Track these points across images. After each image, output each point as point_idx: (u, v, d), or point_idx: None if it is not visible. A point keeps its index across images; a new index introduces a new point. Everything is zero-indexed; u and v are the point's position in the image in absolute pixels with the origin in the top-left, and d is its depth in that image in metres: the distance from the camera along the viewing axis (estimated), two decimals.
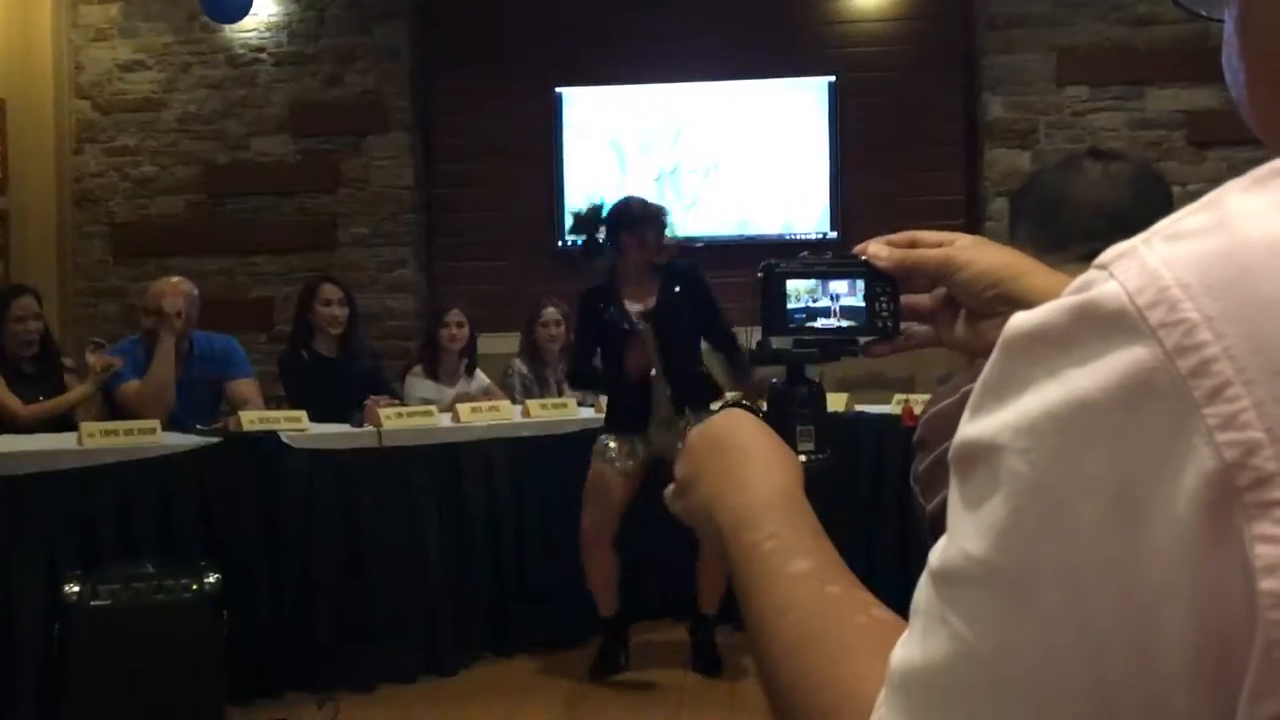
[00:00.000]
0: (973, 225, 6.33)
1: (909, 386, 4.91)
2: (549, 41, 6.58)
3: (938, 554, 0.47)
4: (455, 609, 4.27)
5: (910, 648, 0.47)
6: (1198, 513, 0.39)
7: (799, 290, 0.95)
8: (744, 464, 0.78)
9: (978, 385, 0.47)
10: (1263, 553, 0.38)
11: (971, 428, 0.46)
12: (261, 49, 6.63)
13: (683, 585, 4.31)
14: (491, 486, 4.38)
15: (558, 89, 6.57)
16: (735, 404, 0.92)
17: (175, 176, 6.67)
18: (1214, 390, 0.39)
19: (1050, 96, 6.29)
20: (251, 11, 6.51)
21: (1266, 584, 0.38)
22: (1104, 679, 0.41)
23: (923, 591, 0.48)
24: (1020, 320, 0.45)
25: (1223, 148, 5.97)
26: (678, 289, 4.14)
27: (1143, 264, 0.42)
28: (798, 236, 6.42)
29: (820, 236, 6.39)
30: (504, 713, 3.85)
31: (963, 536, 0.45)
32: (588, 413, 4.80)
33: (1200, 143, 6.03)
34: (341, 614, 4.00)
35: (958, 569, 0.45)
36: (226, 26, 6.56)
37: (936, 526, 1.33)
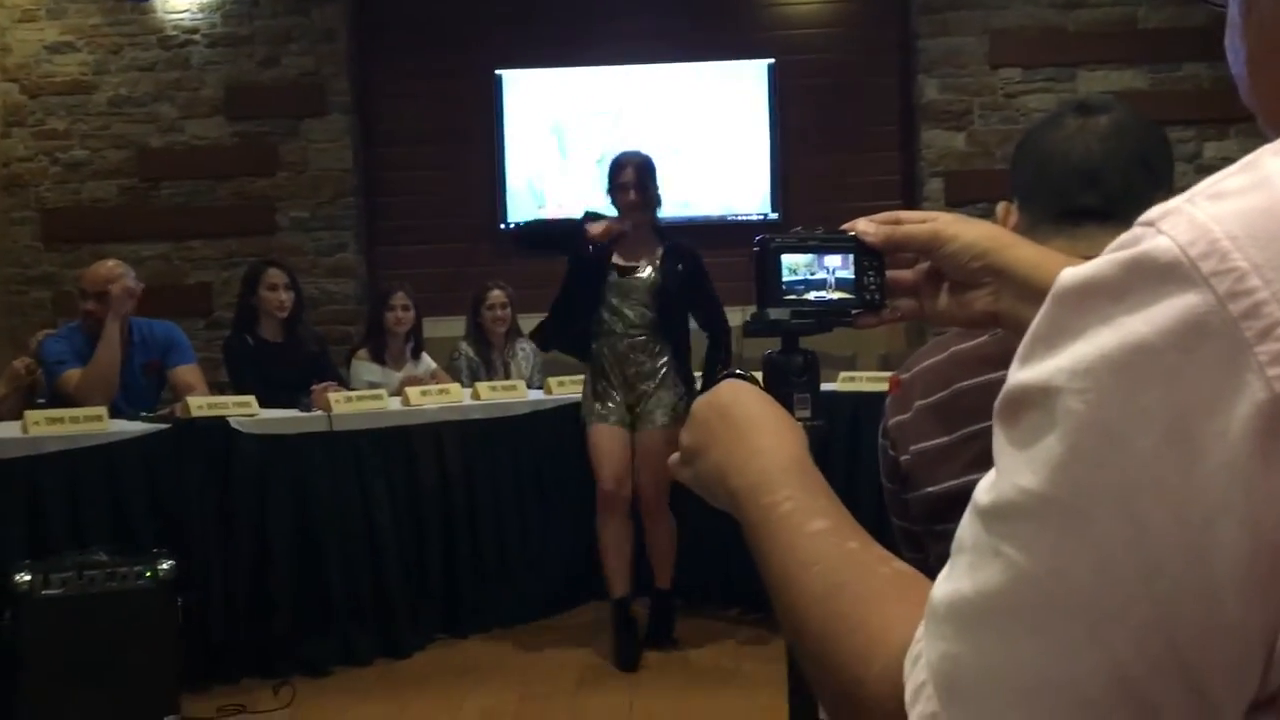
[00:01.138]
0: (909, 205, 6.44)
1: (851, 364, 4.99)
2: (489, 24, 6.55)
3: (986, 492, 0.51)
4: (409, 591, 4.27)
5: (957, 580, 0.50)
6: (1249, 438, 0.43)
7: (795, 264, 0.99)
8: (754, 432, 0.82)
9: (1026, 337, 0.51)
10: None
11: (1022, 374, 0.50)
12: (195, 30, 6.51)
13: (636, 563, 4.34)
14: (443, 469, 4.39)
15: (498, 71, 6.55)
16: (730, 374, 0.95)
17: (107, 160, 6.54)
18: (1264, 330, 0.44)
19: (984, 78, 6.41)
20: None
21: None
22: (1160, 591, 0.45)
23: (967, 529, 0.51)
24: (1071, 274, 0.49)
25: None
26: (680, 267, 4.07)
27: (1191, 220, 0.46)
28: (739, 217, 6.48)
29: (761, 217, 6.45)
30: (459, 694, 3.87)
31: (1015, 474, 0.49)
32: (537, 394, 4.83)
33: None
34: (296, 598, 3.99)
35: (1011, 502, 0.48)
36: (158, 7, 6.44)
37: (908, 478, 1.39)
